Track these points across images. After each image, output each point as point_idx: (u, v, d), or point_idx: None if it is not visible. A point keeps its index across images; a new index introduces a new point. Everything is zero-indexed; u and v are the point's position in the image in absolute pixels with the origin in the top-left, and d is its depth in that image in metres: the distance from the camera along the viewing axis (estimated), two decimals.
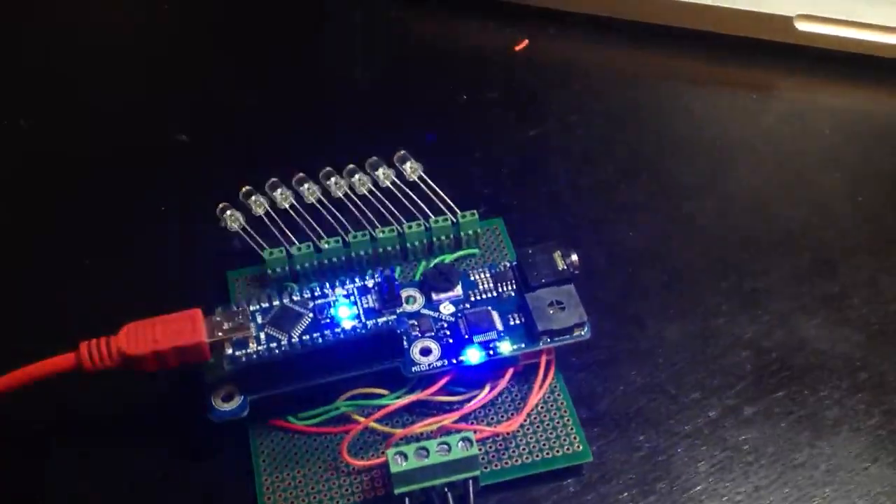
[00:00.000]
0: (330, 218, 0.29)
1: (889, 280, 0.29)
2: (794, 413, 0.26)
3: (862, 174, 0.32)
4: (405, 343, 0.25)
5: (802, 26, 0.34)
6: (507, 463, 0.25)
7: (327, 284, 0.25)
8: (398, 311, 0.25)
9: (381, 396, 0.25)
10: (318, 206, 0.30)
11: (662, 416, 0.26)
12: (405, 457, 0.23)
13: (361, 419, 0.25)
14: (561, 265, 0.26)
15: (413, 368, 0.25)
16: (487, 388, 0.26)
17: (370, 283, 0.25)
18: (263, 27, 0.38)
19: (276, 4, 0.39)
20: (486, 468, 0.24)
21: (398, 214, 0.29)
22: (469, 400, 0.25)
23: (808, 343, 0.27)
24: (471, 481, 0.23)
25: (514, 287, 0.27)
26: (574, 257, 0.26)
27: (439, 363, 0.25)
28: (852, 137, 0.33)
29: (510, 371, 0.26)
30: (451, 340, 0.25)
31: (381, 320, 0.25)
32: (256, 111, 0.35)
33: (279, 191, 0.30)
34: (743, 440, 0.25)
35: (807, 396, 0.26)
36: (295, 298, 0.25)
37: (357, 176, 0.30)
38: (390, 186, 0.30)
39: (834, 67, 0.35)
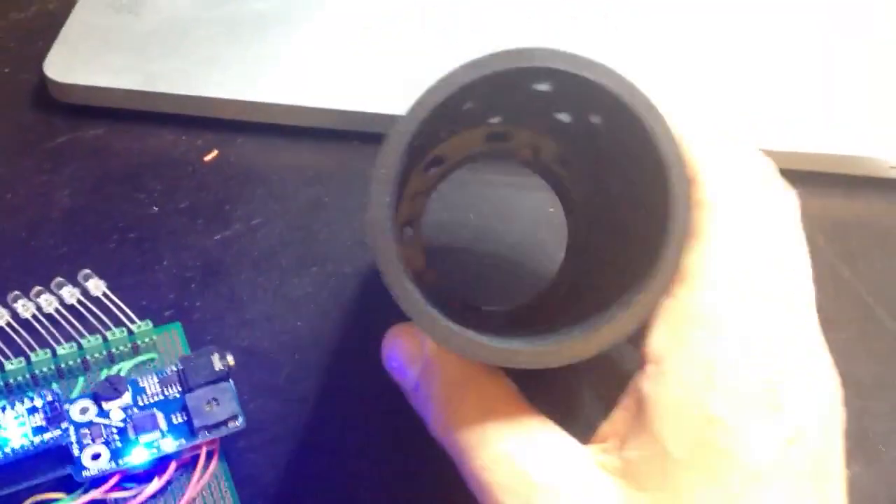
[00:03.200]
0: (17, 338, 0.33)
1: None
2: None
3: None
4: (77, 451, 0.29)
5: None
6: None
7: None
8: (63, 426, 0.29)
9: (59, 500, 0.29)
10: (6, 328, 0.33)
11: (325, 486, 0.31)
12: None
13: None
14: (218, 366, 0.31)
15: (84, 473, 0.29)
16: (156, 482, 0.30)
17: (38, 403, 0.29)
18: None
19: None
20: None
21: (82, 330, 0.33)
22: (139, 494, 0.29)
23: None
24: None
25: (179, 389, 0.31)
26: (229, 358, 0.31)
27: (108, 465, 0.29)
28: None
29: (173, 464, 0.30)
30: (119, 444, 0.29)
31: (47, 436, 0.28)
32: None
33: None
34: None
35: None
36: None
37: (43, 297, 0.34)
38: (76, 304, 0.34)
39: None
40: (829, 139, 0.40)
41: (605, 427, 0.22)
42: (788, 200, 0.23)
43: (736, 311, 0.21)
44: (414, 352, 0.25)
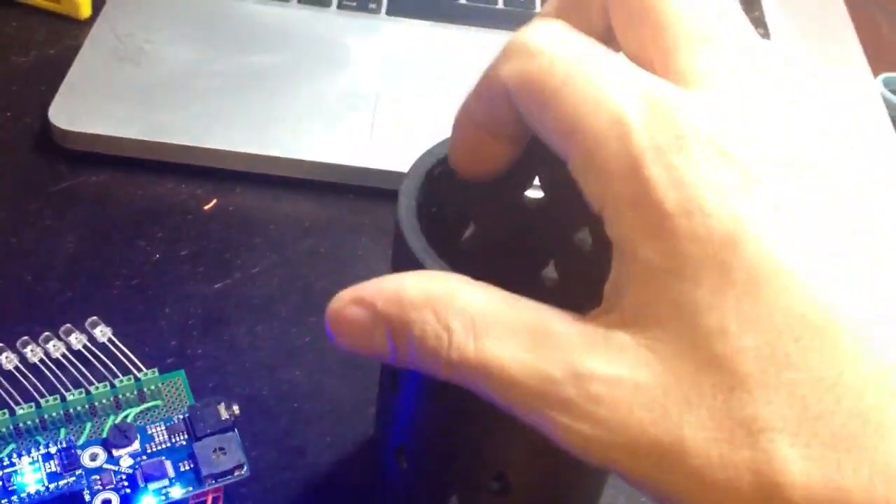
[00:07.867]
0: (25, 383, 0.33)
1: None
2: None
3: None
4: (88, 497, 0.30)
5: None
6: None
7: (14, 454, 0.30)
8: (77, 473, 0.30)
9: None
10: (15, 372, 0.34)
11: None
12: None
13: None
14: (224, 415, 0.32)
15: None
16: None
17: (52, 450, 0.30)
18: None
19: None
20: None
21: (89, 375, 0.34)
22: None
23: None
24: None
25: (186, 437, 0.32)
26: (235, 408, 0.32)
27: None
28: None
29: None
30: (128, 490, 0.30)
31: (62, 483, 0.29)
32: None
33: None
34: None
35: None
36: None
37: (52, 343, 0.35)
38: (82, 350, 0.35)
39: None
40: None
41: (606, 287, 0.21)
42: None
43: None
44: (369, 314, 0.23)
